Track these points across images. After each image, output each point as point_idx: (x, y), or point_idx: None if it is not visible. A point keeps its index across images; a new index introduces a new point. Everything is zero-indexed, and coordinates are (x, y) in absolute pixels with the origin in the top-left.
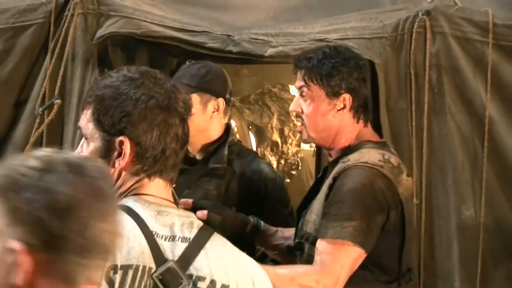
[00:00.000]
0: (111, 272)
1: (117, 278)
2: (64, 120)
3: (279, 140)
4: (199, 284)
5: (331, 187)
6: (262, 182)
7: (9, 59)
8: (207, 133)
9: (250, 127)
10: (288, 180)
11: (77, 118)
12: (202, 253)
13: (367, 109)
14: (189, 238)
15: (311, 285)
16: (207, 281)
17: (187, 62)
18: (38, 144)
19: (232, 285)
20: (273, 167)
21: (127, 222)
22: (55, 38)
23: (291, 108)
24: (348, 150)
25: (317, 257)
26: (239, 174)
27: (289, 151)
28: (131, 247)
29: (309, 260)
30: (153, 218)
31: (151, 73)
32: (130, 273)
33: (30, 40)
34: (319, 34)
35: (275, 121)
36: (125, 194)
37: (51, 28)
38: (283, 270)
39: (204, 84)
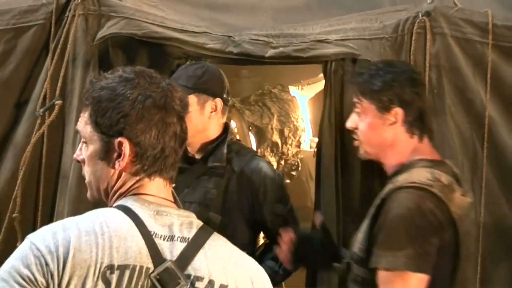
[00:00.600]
0: (108, 272)
1: (114, 278)
2: (65, 121)
3: (279, 141)
4: (197, 284)
5: (379, 208)
6: (262, 180)
7: (10, 60)
8: (205, 133)
9: (250, 128)
10: (288, 181)
11: (78, 119)
12: (201, 253)
13: (423, 123)
14: (188, 238)
15: None
16: (205, 281)
17: (187, 63)
18: (39, 145)
19: (230, 285)
20: (272, 165)
21: (125, 222)
22: (56, 39)
23: (347, 124)
24: (400, 168)
25: None
26: (238, 173)
27: (289, 152)
28: (128, 247)
29: (357, 280)
30: (152, 218)
31: (146, 72)
32: (127, 273)
33: (31, 41)
34: (320, 35)
35: (275, 122)
36: (125, 194)
37: (52, 29)
38: None
39: (201, 85)
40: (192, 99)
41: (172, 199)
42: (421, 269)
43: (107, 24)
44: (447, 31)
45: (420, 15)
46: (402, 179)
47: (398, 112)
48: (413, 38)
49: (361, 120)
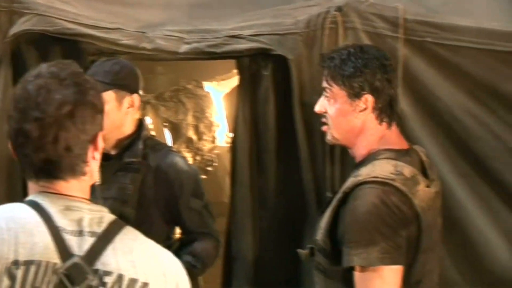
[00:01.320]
0: (13, 267)
1: (19, 273)
2: None
3: (194, 137)
4: (106, 279)
5: (341, 201)
6: (177, 175)
7: None
8: (122, 128)
9: (165, 123)
10: (204, 176)
11: None
12: (110, 247)
13: (392, 110)
14: (98, 233)
15: None
16: (114, 276)
17: (102, 59)
18: None
19: (141, 279)
20: (187, 160)
21: (32, 217)
22: None
23: (315, 108)
24: (365, 158)
25: None
26: (154, 168)
27: (204, 147)
28: (34, 242)
29: (319, 268)
30: (61, 214)
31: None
32: (33, 268)
33: None
34: (233, 31)
35: (190, 118)
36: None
37: None
38: None
39: (119, 81)
40: (110, 95)
41: (85, 195)
42: (395, 261)
43: (20, 21)
44: (359, 26)
45: (332, 10)
46: (364, 173)
47: (368, 98)
48: (326, 33)
49: (330, 105)
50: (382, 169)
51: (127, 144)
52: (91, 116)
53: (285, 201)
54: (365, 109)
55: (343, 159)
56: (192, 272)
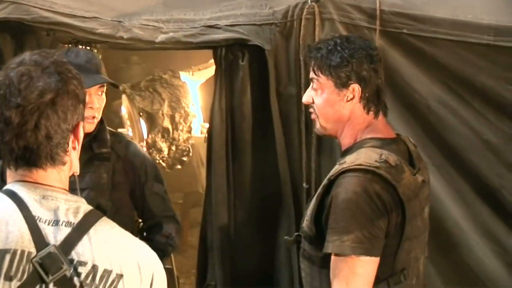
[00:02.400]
0: None
1: None
2: None
3: (170, 127)
4: (80, 269)
5: (326, 188)
6: (142, 162)
7: None
8: None
9: (141, 113)
10: (179, 166)
11: None
12: (85, 238)
13: (379, 100)
14: (74, 223)
15: None
16: (89, 266)
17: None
18: None
19: (115, 270)
20: None
21: (8, 206)
22: None
23: (303, 99)
24: (351, 147)
25: (331, 275)
26: (122, 157)
27: (180, 137)
28: (9, 231)
29: (304, 255)
30: (37, 203)
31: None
32: (8, 257)
33: None
34: (210, 21)
35: (166, 108)
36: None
37: None
38: None
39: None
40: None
41: (63, 185)
42: (368, 252)
43: None
44: (336, 17)
45: (309, 1)
46: (349, 160)
47: (355, 88)
48: (302, 24)
49: (317, 96)
50: (367, 157)
51: (93, 135)
52: (73, 105)
53: (261, 191)
54: (352, 98)
55: (319, 149)
56: (168, 251)
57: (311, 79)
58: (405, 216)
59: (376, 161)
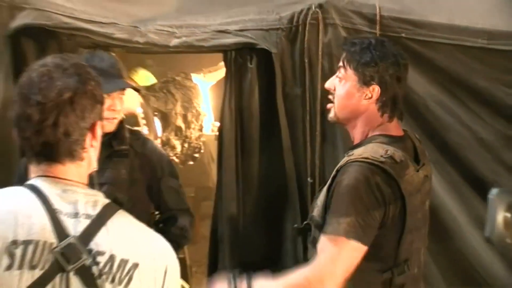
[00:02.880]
0: (13, 246)
1: (18, 252)
2: None
3: (182, 125)
4: (98, 258)
5: (333, 178)
6: (159, 158)
7: None
8: None
9: (156, 113)
10: (191, 162)
11: None
12: (103, 229)
13: (395, 107)
14: (92, 215)
15: (300, 283)
16: (106, 256)
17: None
18: None
19: (131, 260)
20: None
21: (31, 200)
22: None
23: (326, 85)
24: (360, 142)
25: (318, 249)
26: (140, 153)
27: (192, 135)
28: (32, 223)
29: (314, 243)
30: (58, 197)
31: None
32: (31, 248)
33: None
34: (220, 26)
35: (179, 108)
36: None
37: None
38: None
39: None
40: None
41: (83, 180)
42: (359, 238)
43: (20, 15)
44: (338, 22)
45: (313, 7)
46: (357, 153)
47: (375, 89)
48: (307, 29)
49: (340, 85)
50: (373, 151)
51: (113, 132)
52: (91, 105)
53: (268, 186)
54: (370, 97)
55: (323, 147)
56: (182, 243)
57: (339, 68)
58: (406, 210)
59: (381, 156)
